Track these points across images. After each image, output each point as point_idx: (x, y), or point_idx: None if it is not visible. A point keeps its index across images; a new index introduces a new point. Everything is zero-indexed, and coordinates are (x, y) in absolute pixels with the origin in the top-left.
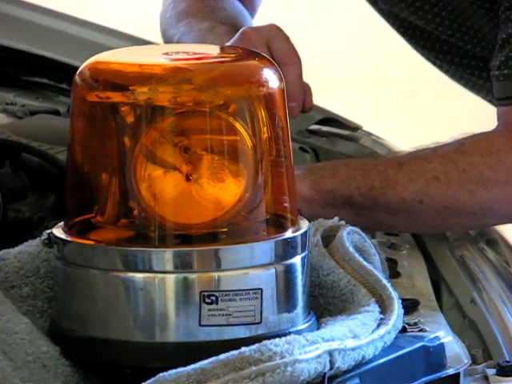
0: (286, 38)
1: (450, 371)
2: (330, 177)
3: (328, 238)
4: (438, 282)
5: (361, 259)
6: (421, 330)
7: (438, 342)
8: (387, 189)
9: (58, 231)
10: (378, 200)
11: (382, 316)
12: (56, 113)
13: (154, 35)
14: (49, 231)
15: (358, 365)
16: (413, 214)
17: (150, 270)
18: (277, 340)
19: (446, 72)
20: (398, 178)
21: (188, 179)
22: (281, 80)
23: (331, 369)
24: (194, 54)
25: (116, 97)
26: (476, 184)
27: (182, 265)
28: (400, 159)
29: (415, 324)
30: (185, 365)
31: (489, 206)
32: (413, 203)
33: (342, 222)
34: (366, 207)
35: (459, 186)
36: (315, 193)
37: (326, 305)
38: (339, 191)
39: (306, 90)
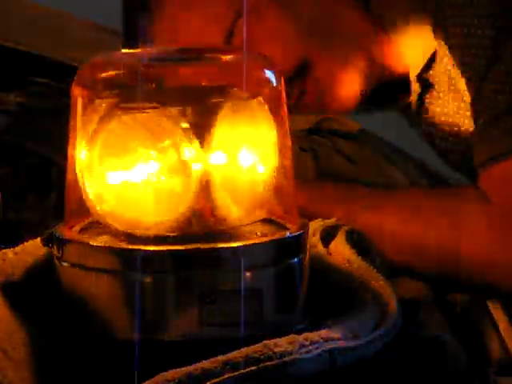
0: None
1: (450, 371)
2: (315, 196)
3: (328, 237)
4: (437, 282)
5: (360, 259)
6: (421, 330)
7: (437, 342)
8: (368, 212)
9: (58, 231)
10: (357, 222)
11: (382, 316)
12: (56, 113)
13: None
14: (49, 231)
15: (358, 365)
16: (391, 243)
17: (150, 270)
18: (277, 340)
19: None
20: (382, 205)
21: None
22: (280, 79)
23: (331, 369)
24: (194, 53)
25: (116, 97)
26: (446, 227)
27: (182, 265)
28: (388, 190)
29: (415, 324)
30: (185, 365)
31: (454, 250)
32: (388, 233)
33: (342, 222)
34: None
35: (430, 224)
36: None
37: (326, 305)
38: (322, 211)
39: None
